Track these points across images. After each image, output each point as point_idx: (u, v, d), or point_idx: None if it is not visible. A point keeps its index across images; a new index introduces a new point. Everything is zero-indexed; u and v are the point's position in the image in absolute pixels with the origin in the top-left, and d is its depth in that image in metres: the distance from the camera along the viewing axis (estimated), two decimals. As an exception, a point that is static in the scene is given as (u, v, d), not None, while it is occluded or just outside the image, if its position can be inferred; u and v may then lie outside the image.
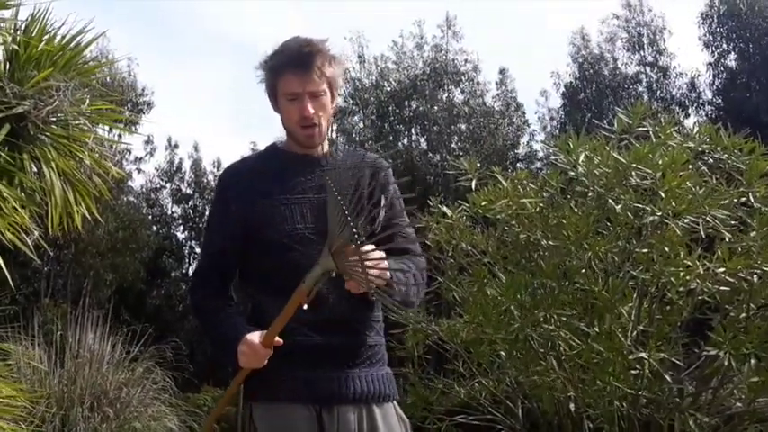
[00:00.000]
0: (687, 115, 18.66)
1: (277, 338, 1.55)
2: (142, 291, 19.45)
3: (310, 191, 1.68)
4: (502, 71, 21.34)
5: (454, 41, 20.64)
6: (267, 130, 41.14)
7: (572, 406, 3.58)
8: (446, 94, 20.67)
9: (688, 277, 3.31)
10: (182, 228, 22.75)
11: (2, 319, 5.47)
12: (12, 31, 3.61)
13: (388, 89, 21.29)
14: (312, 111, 1.63)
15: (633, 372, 3.37)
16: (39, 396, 5.39)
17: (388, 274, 1.52)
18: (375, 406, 1.63)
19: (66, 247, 16.24)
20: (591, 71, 20.24)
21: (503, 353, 4.10)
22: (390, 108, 20.73)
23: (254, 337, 1.57)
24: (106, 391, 7.69)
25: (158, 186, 22.63)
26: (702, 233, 3.44)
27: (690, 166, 3.74)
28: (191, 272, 22.69)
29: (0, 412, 3.88)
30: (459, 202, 4.24)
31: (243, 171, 1.76)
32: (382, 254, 1.51)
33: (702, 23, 18.72)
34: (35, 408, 4.99)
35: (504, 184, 4.04)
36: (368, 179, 1.66)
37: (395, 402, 1.69)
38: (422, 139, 20.75)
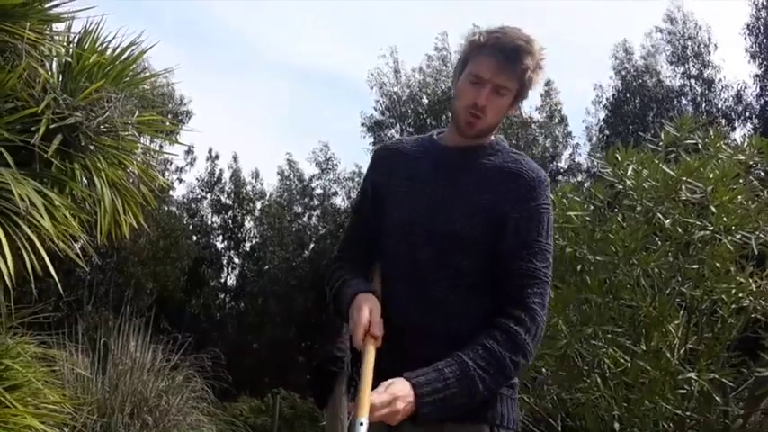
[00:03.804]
0: (733, 128, 18.33)
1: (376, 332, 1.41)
2: (182, 299, 19.73)
3: (435, 185, 1.57)
4: (547, 83, 21.19)
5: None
6: (305, 141, 41.86)
7: (617, 425, 3.50)
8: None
9: (740, 294, 3.22)
10: (221, 237, 23.06)
11: (47, 326, 5.59)
12: (65, 43, 3.71)
13: (426, 101, 21.35)
14: (486, 102, 1.51)
15: (681, 391, 3.28)
16: (81, 402, 5.48)
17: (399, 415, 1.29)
18: (449, 424, 1.42)
19: (109, 255, 16.58)
20: (635, 84, 19.99)
21: (544, 369, 4.04)
22: (428, 120, 20.76)
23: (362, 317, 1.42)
24: (146, 398, 7.79)
25: (199, 197, 23.03)
26: (755, 249, 3.35)
27: (740, 180, 3.64)
28: (229, 281, 23.01)
29: (45, 417, 3.96)
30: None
31: (392, 150, 1.71)
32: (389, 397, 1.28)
33: (749, 35, 18.36)
34: (78, 414, 5.09)
35: (551, 196, 3.98)
36: (495, 184, 1.53)
37: (488, 426, 1.46)
38: (460, 151, 20.65)
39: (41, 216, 3.44)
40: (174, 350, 8.33)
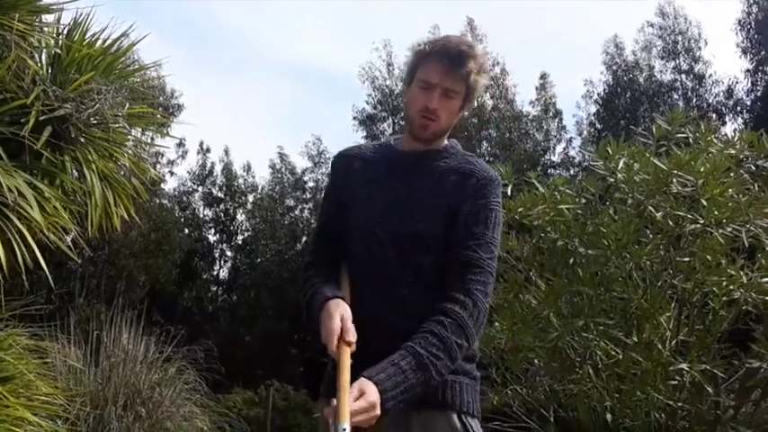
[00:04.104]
0: (723, 123, 18.41)
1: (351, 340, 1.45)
2: (174, 292, 19.69)
3: (391, 188, 1.65)
4: (543, 76, 21.24)
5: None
6: (295, 136, 41.79)
7: (608, 416, 3.52)
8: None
9: (731, 287, 3.24)
10: (213, 230, 23.01)
11: (38, 318, 5.57)
12: (55, 35, 3.68)
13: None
14: (437, 105, 1.59)
15: (672, 383, 3.30)
16: (74, 394, 5.47)
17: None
18: (414, 412, 1.50)
19: (100, 248, 16.51)
20: (626, 79, 20.02)
21: (537, 361, 4.06)
22: (421, 114, 20.68)
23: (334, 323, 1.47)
24: (139, 390, 7.78)
25: (190, 190, 22.94)
26: (745, 242, 3.37)
27: (731, 174, 3.66)
28: (222, 274, 22.98)
29: (38, 409, 3.95)
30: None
31: (350, 155, 1.78)
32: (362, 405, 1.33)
33: (740, 30, 18.42)
34: (71, 406, 5.07)
35: (542, 189, 4.00)
36: (449, 185, 1.61)
37: (455, 413, 1.53)
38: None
39: (31, 207, 3.42)
40: (166, 342, 8.31)
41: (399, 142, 1.76)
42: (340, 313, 1.48)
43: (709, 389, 3.21)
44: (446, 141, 1.71)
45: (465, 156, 1.69)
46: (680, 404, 3.33)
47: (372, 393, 1.33)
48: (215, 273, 22.81)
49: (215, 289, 22.82)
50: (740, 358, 3.52)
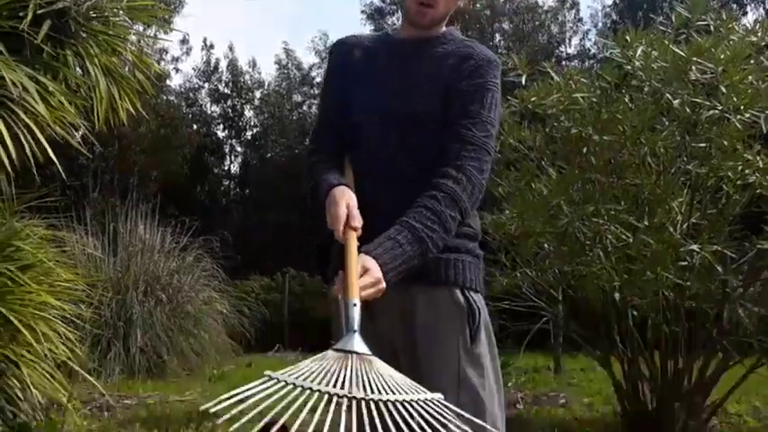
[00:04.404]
0: (744, 13, 17.70)
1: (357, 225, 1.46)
2: (187, 187, 19.88)
3: (390, 72, 1.63)
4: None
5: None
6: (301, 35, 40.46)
7: (617, 295, 3.61)
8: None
9: (747, 171, 3.22)
10: (221, 126, 22.89)
11: (54, 210, 5.66)
12: None
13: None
14: None
15: (682, 263, 3.36)
16: (95, 281, 5.66)
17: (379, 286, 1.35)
18: (419, 289, 1.52)
19: (110, 144, 16.55)
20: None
21: (546, 246, 4.12)
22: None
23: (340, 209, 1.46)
24: (158, 277, 8.05)
25: (196, 86, 22.63)
26: (764, 128, 3.32)
27: (752, 61, 3.57)
28: (233, 169, 23.10)
29: (60, 295, 4.09)
30: (507, 97, 4.14)
31: (348, 43, 1.76)
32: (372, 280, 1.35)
33: None
34: (93, 291, 5.26)
35: (556, 78, 3.92)
36: (447, 68, 1.59)
37: (458, 289, 1.55)
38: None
39: (36, 102, 3.41)
40: (182, 233, 8.52)
41: (397, 31, 1.75)
42: (345, 200, 1.48)
43: (719, 268, 3.26)
44: (444, 28, 1.69)
45: (464, 41, 1.67)
46: (689, 283, 3.40)
47: (374, 268, 1.36)
48: (226, 168, 22.93)
49: (227, 183, 23.01)
50: (751, 241, 3.56)
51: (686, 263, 3.31)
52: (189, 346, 7.73)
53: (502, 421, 1.54)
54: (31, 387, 3.45)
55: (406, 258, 1.42)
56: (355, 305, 1.28)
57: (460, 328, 1.54)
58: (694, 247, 3.12)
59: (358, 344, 1.24)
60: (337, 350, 1.24)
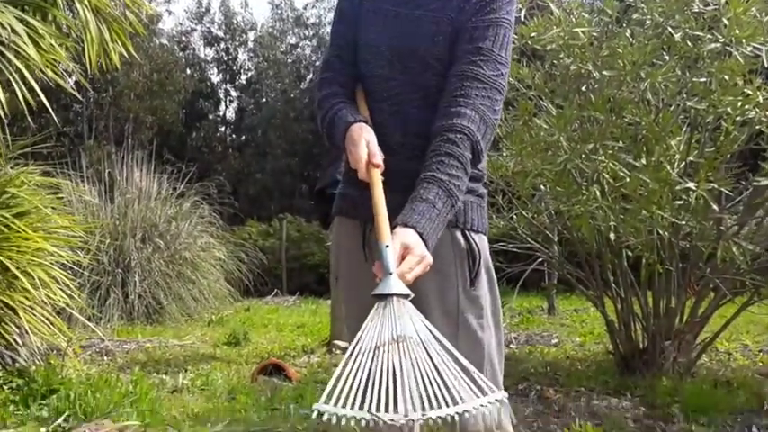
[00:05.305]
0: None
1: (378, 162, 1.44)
2: (182, 133, 19.72)
3: (398, 5, 1.57)
4: None
5: None
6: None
7: (612, 235, 3.61)
8: None
9: (747, 106, 3.17)
10: (215, 71, 22.54)
11: (49, 158, 5.62)
12: None
13: None
14: None
15: (678, 202, 3.35)
16: (92, 228, 5.66)
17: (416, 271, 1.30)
18: None
19: (104, 90, 16.33)
20: None
21: (543, 186, 4.11)
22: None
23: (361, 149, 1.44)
24: (156, 224, 8.07)
25: (189, 29, 22.19)
26: (765, 62, 3.26)
27: (756, -7, 3.47)
28: (228, 115, 22.87)
29: (57, 241, 4.09)
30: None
31: None
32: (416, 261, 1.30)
33: None
34: (90, 238, 5.27)
35: (557, 12, 3.82)
36: (456, 2, 1.52)
37: (459, 230, 1.53)
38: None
39: (26, 44, 3.33)
40: (178, 180, 8.50)
41: None
42: (365, 138, 1.45)
43: (714, 206, 3.25)
44: None
45: None
46: (684, 222, 3.39)
47: (417, 244, 1.30)
48: (221, 113, 22.70)
49: (223, 129, 22.81)
50: (747, 179, 3.54)
51: (682, 202, 3.30)
52: (187, 291, 7.80)
53: (500, 361, 1.55)
54: (30, 332, 3.49)
55: (442, 219, 1.38)
56: (387, 247, 1.26)
57: (461, 270, 1.52)
58: (691, 185, 3.10)
59: (396, 285, 1.23)
60: (377, 296, 1.23)
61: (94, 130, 16.35)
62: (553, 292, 8.11)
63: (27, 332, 3.48)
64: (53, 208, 4.17)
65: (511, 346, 5.60)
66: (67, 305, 3.91)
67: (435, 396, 1.12)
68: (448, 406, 1.12)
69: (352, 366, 1.14)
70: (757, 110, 3.18)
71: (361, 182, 1.44)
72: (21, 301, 3.54)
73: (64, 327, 3.82)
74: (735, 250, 3.15)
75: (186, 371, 4.59)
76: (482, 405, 1.13)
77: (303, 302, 10.84)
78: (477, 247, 1.54)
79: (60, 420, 3.09)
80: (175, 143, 18.09)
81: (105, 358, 5.07)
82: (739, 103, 3.20)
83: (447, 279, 1.52)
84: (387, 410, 1.10)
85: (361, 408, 1.09)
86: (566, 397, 3.82)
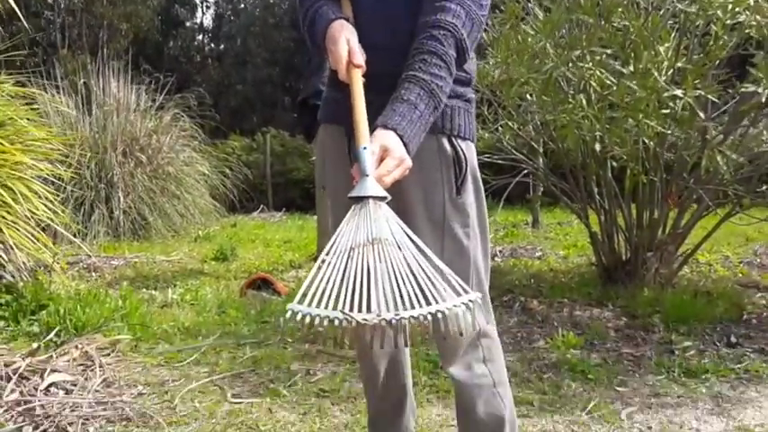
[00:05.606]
0: None
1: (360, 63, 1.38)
2: (158, 41, 19.12)
3: None
4: None
5: None
6: None
7: (597, 146, 3.59)
8: None
9: (737, 9, 3.09)
10: (190, -25, 21.61)
11: (22, 67, 5.43)
12: None
13: None
14: None
15: (665, 111, 3.31)
16: (71, 141, 5.53)
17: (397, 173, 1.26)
18: None
19: (74, -5, 15.69)
20: None
21: (529, 96, 4.04)
22: None
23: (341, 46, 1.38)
24: (136, 137, 7.92)
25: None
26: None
27: None
28: (205, 22, 22.12)
29: (35, 154, 4.01)
30: (492, -67, 3.85)
31: None
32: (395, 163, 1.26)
33: None
34: (70, 151, 5.17)
35: None
36: None
37: (445, 137, 1.49)
38: None
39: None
40: (157, 91, 8.28)
41: None
42: (345, 36, 1.38)
43: (701, 114, 3.22)
44: None
45: None
46: (670, 132, 3.37)
47: (396, 147, 1.26)
48: (198, 20, 21.97)
49: (200, 37, 22.16)
50: (735, 86, 3.49)
51: (668, 110, 3.26)
52: (173, 207, 7.76)
53: (486, 270, 1.55)
54: (15, 248, 3.46)
55: (424, 121, 1.34)
56: (365, 148, 1.24)
57: (446, 178, 1.50)
58: (678, 92, 3.05)
59: (372, 187, 1.22)
60: (353, 198, 1.22)
61: (68, 38, 15.80)
62: (537, 205, 8.16)
63: (12, 248, 3.46)
64: (29, 119, 4.06)
65: (495, 259, 5.68)
66: (51, 220, 3.88)
67: (409, 297, 1.13)
68: (422, 307, 1.12)
69: (327, 268, 1.15)
70: (748, 12, 3.10)
71: (345, 84, 1.38)
72: (3, 216, 3.50)
73: (49, 242, 3.80)
74: (719, 159, 3.14)
75: (175, 286, 4.64)
76: (455, 306, 1.13)
77: (290, 218, 10.88)
78: (464, 154, 1.51)
79: (52, 335, 3.13)
80: (152, 52, 17.55)
81: (93, 274, 5.09)
82: (730, 6, 3.12)
83: (433, 187, 1.49)
84: (360, 310, 1.10)
85: (334, 308, 1.10)
86: (549, 308, 3.91)
